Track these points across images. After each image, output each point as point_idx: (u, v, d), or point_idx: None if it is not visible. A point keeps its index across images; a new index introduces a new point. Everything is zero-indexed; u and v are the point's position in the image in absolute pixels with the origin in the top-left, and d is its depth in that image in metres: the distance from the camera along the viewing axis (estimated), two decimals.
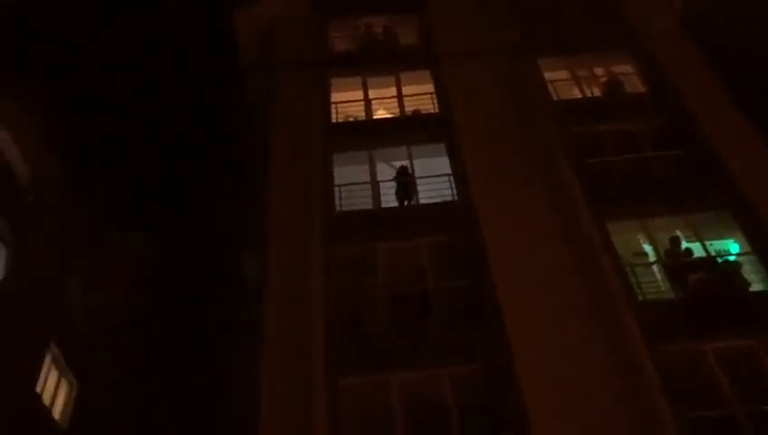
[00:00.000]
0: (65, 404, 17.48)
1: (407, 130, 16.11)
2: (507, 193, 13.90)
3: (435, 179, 14.70)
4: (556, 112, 15.84)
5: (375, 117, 16.86)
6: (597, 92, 17.05)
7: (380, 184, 14.82)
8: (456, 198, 14.39)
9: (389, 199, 14.70)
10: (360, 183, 14.77)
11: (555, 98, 16.64)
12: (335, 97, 17.08)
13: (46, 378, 16.65)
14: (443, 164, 15.18)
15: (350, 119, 16.81)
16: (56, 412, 16.99)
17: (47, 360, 16.77)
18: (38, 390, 16.14)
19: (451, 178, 14.74)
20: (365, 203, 14.46)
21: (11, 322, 15.00)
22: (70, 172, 19.71)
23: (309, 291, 12.35)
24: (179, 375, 24.13)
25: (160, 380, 22.76)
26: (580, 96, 16.99)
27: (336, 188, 14.57)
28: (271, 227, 13.76)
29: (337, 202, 14.41)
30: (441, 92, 16.76)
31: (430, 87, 17.19)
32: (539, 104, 16.05)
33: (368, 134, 15.99)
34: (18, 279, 15.78)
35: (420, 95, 17.00)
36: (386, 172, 15.16)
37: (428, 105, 16.81)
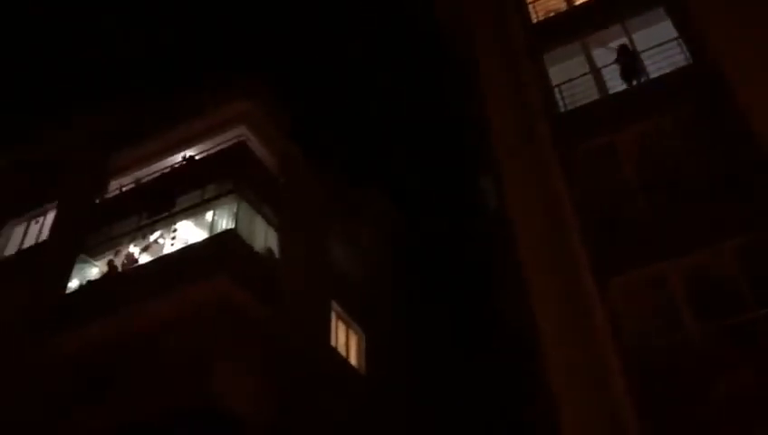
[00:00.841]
0: (358, 353, 19.31)
1: (615, 5, 14.72)
2: (753, 40, 12.07)
3: (661, 48, 13.34)
4: None
5: (577, 2, 15.70)
6: None
7: (602, 71, 13.84)
8: (691, 61, 12.94)
9: (616, 85, 13.68)
10: (579, 76, 13.92)
11: None
12: None
13: (337, 332, 18.51)
14: (667, 29, 13.68)
15: (552, 13, 15.83)
16: (352, 360, 18.86)
17: (333, 317, 18.60)
18: (333, 344, 18.02)
19: (680, 40, 13.26)
20: (591, 96, 13.62)
21: (298, 294, 16.82)
22: (306, 149, 21.26)
23: (554, 196, 12.00)
24: (447, 308, 25.34)
25: (431, 318, 24.07)
26: None
27: (556, 89, 13.92)
28: (497, 145, 13.58)
29: (560, 103, 13.78)
30: None
31: None
32: None
33: (574, 23, 14.93)
34: (291, 255, 17.52)
35: None
36: (605, 57, 14.11)
37: None
